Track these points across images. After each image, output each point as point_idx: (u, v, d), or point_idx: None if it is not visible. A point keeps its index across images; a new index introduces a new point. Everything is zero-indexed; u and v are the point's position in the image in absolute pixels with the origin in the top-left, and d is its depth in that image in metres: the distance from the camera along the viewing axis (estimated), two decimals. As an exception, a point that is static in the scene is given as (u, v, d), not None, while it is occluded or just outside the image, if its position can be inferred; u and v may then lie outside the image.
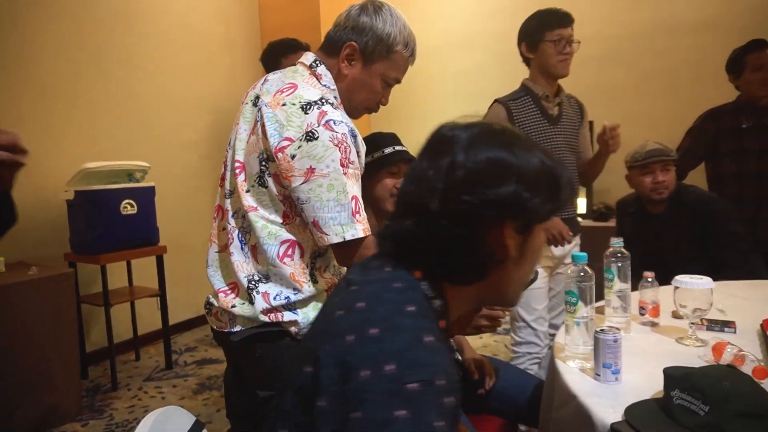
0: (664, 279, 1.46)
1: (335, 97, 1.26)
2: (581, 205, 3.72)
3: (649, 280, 1.47)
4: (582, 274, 1.22)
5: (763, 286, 1.82)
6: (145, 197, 3.01)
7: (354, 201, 1.16)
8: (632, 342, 1.36)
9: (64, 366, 2.58)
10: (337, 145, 1.13)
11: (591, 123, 3.71)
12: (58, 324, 2.56)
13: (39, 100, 2.99)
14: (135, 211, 2.94)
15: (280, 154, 1.14)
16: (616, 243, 1.43)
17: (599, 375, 1.12)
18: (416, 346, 0.62)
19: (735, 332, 1.37)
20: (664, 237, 2.18)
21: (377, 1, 1.27)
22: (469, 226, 0.70)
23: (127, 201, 2.90)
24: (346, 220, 1.14)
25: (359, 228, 1.15)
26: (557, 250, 2.11)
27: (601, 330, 1.13)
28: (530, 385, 1.54)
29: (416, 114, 4.28)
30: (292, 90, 1.18)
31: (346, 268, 1.29)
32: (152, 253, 3.09)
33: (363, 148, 1.24)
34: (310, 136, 1.13)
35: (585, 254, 1.23)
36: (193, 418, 0.90)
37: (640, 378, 1.14)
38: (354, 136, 1.18)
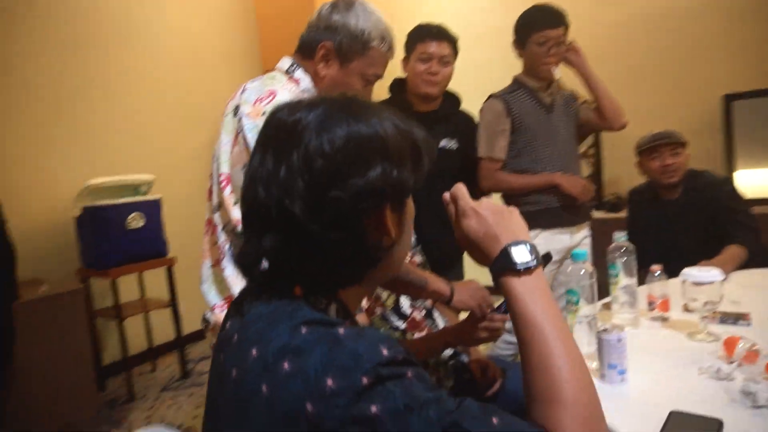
0: (679, 267, 1.40)
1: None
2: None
3: (656, 273, 1.42)
4: (582, 272, 1.18)
5: (781, 274, 1.75)
6: (152, 210, 3.02)
7: None
8: (640, 339, 1.31)
9: (80, 380, 2.60)
10: None
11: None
12: (72, 339, 2.59)
13: (42, 119, 3.01)
14: (142, 224, 2.95)
15: None
16: (620, 237, 1.38)
17: (604, 375, 1.09)
18: (338, 346, 0.53)
19: (750, 325, 1.32)
20: (678, 223, 2.12)
21: (352, 5, 1.23)
22: (346, 225, 0.60)
23: (133, 214, 2.91)
24: None
25: None
26: (565, 240, 2.06)
27: (604, 330, 1.09)
28: None
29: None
30: (271, 98, 1.16)
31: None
32: (162, 265, 3.10)
33: None
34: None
35: (585, 251, 1.19)
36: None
37: (648, 377, 1.10)
38: None
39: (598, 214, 3.45)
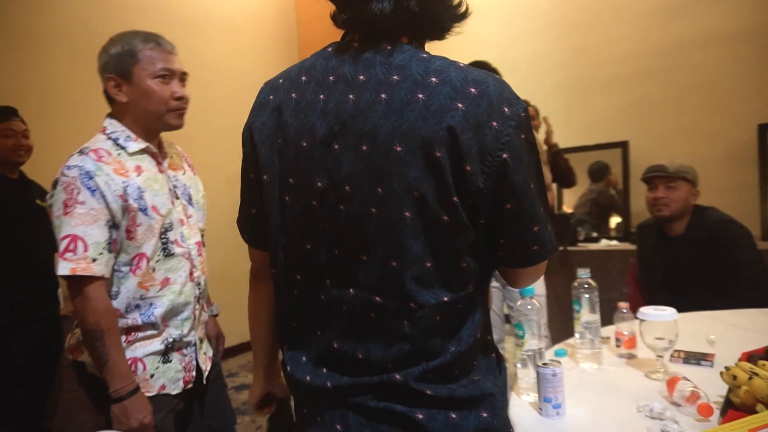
0: (685, 304, 1.37)
1: (128, 136, 1.37)
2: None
3: (624, 310, 1.44)
4: (529, 307, 1.23)
5: (775, 315, 1.70)
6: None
7: (67, 240, 1.22)
8: (599, 375, 1.34)
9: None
10: (65, 189, 1.25)
11: (626, 143, 3.62)
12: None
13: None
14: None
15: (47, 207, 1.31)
16: (583, 274, 1.41)
17: (541, 409, 1.13)
18: (506, 86, 0.71)
19: (712, 366, 1.31)
20: (681, 260, 2.08)
21: (107, 42, 1.38)
22: None
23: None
24: (59, 258, 1.23)
25: (64, 266, 1.22)
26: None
27: (544, 364, 1.13)
28: None
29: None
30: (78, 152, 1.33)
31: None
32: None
33: (115, 187, 1.28)
34: (54, 184, 1.28)
35: (532, 288, 1.24)
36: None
37: (586, 413, 1.13)
38: (91, 177, 1.25)
39: (623, 246, 3.40)
